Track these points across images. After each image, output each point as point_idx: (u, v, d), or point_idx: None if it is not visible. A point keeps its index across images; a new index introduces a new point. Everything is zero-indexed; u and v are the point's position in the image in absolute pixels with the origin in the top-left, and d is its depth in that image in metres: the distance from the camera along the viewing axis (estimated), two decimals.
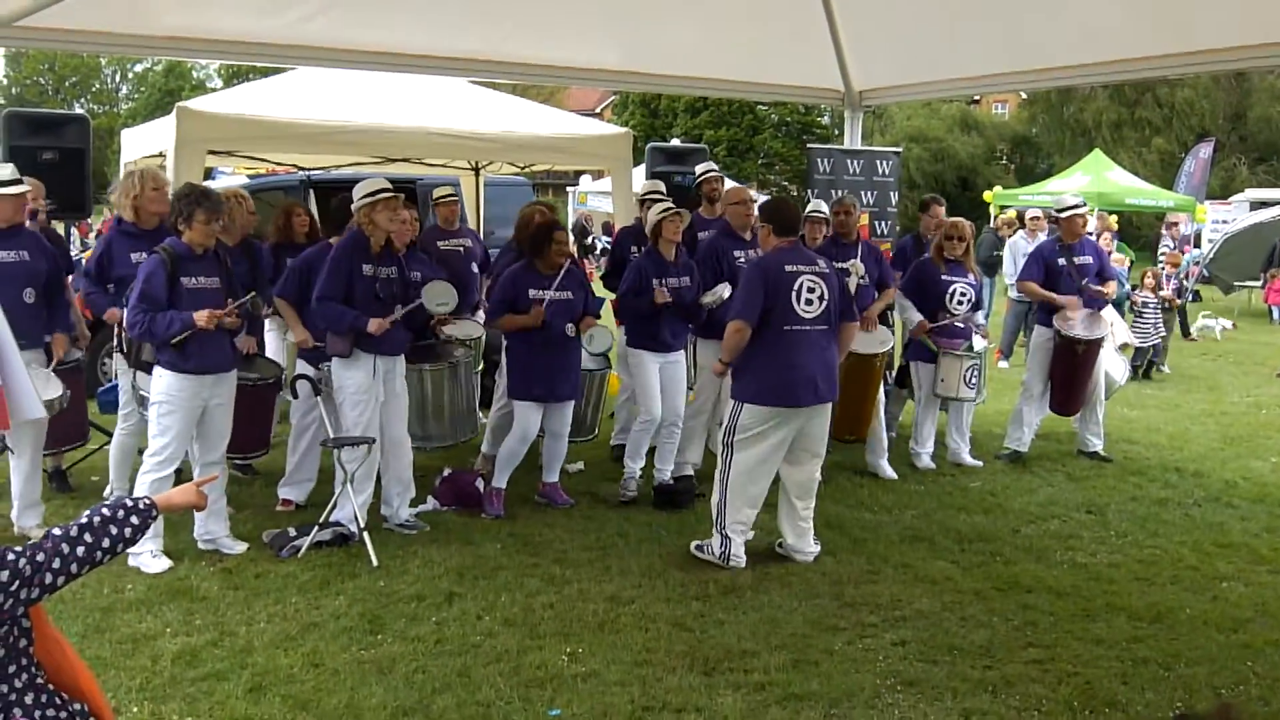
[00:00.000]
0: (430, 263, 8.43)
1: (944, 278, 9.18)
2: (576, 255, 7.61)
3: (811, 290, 6.78)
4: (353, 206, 7.28)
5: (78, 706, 3.17)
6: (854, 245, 9.01)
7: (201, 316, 6.38)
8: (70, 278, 7.95)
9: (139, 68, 68.38)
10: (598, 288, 9.01)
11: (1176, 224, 26.13)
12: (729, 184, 10.46)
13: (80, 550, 3.01)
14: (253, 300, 7.01)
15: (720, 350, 7.06)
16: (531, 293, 7.81)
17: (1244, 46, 7.19)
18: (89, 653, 5.32)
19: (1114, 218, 23.52)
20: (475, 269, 9.79)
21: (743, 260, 8.21)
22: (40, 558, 2.92)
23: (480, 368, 9.24)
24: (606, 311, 8.54)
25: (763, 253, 7.10)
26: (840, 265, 8.78)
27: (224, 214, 6.77)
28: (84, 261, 8.59)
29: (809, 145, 11.95)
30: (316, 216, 9.58)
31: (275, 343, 8.88)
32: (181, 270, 6.48)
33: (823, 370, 6.85)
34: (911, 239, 10.34)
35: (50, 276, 7.31)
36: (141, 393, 6.94)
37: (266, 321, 8.33)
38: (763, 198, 10.96)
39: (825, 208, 8.84)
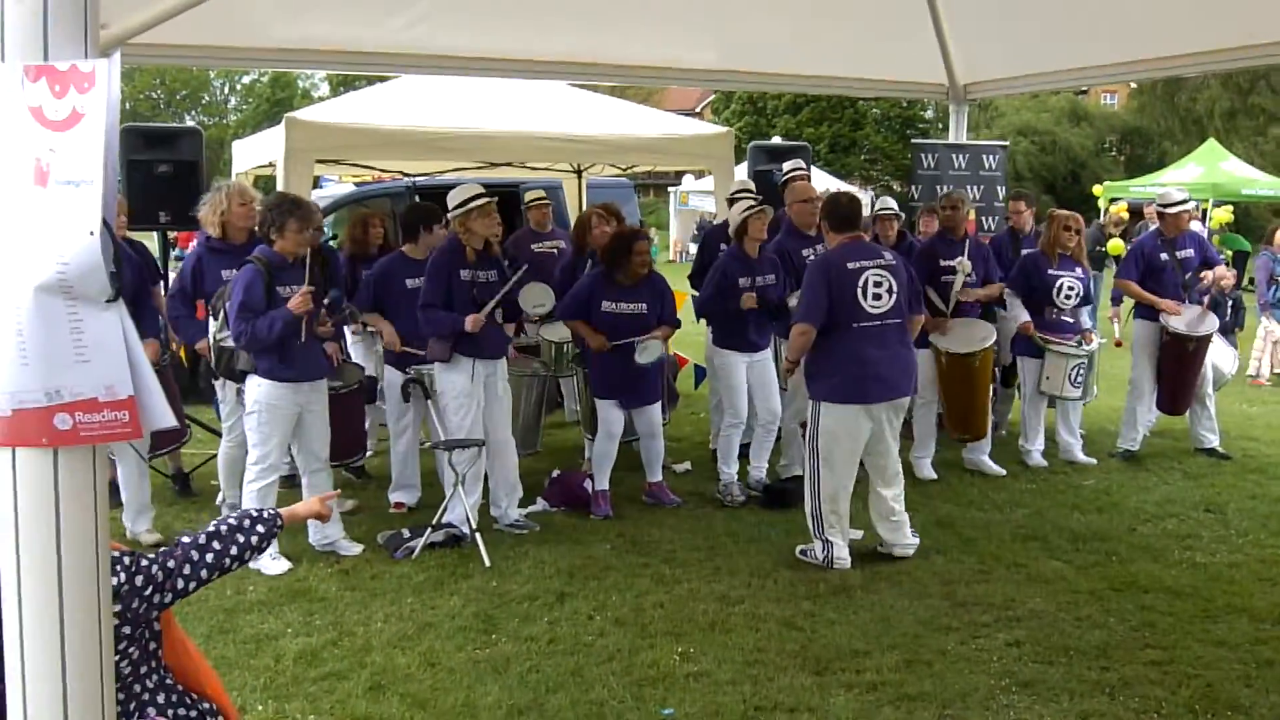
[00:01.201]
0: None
1: (1051, 272, 9.06)
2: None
3: (879, 284, 6.71)
4: (448, 215, 7.39)
5: (206, 706, 3.28)
6: (961, 242, 8.92)
7: (293, 303, 6.50)
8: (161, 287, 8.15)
9: (246, 79, 69.75)
10: (684, 285, 9.01)
11: None
12: (823, 180, 10.40)
13: (209, 557, 3.13)
14: (350, 310, 7.16)
15: (789, 347, 7.06)
16: (605, 305, 7.87)
17: None
18: (214, 653, 5.48)
19: (1227, 209, 22.99)
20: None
21: (811, 258, 8.17)
22: (171, 564, 3.04)
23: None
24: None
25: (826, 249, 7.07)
26: (946, 262, 8.74)
27: (316, 223, 6.89)
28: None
29: (913, 140, 11.90)
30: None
31: (362, 351, 9.00)
32: (277, 279, 6.63)
33: (897, 364, 6.80)
34: (1007, 233, 10.22)
35: (134, 285, 7.30)
36: (242, 397, 7.06)
37: (348, 329, 8.49)
38: (868, 194, 10.89)
39: (894, 204, 8.83)
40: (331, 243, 10.42)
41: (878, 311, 6.71)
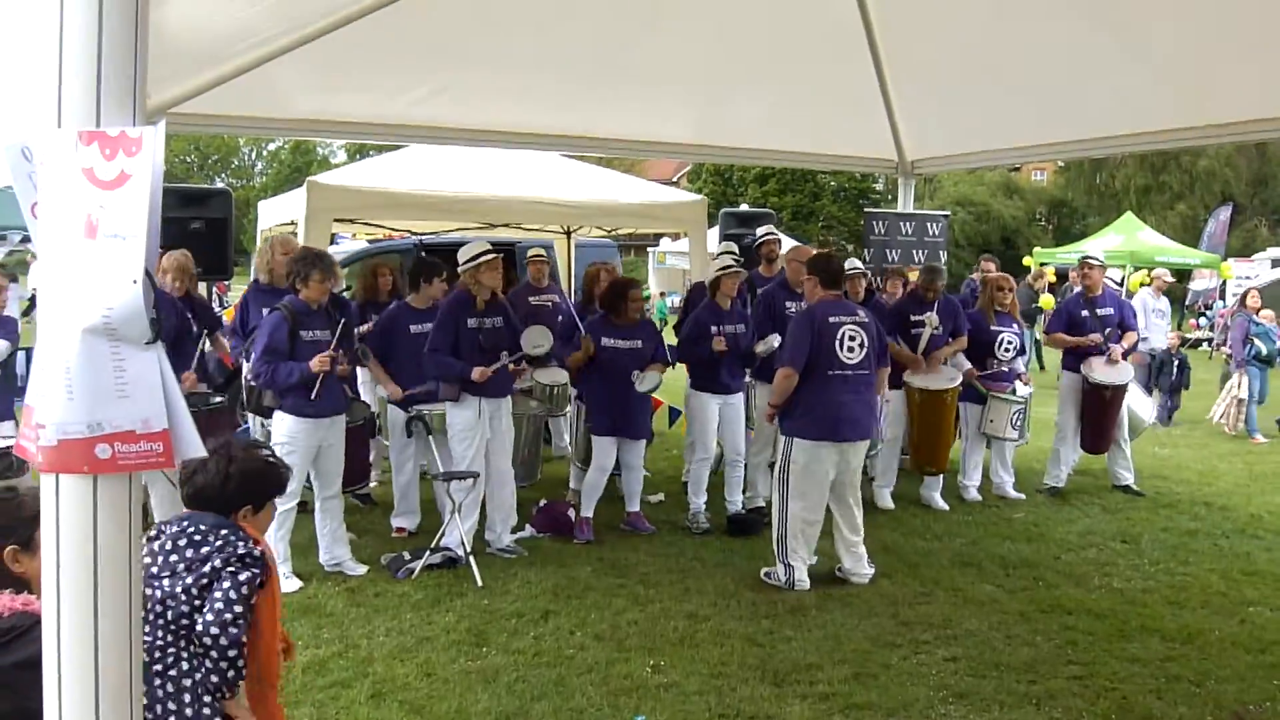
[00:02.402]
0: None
1: (993, 328, 9.16)
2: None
3: (853, 339, 6.81)
4: (459, 268, 7.41)
5: None
6: (931, 302, 9.07)
7: (314, 363, 6.54)
8: (218, 333, 8.18)
9: (271, 146, 69.92)
10: (668, 336, 9.05)
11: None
12: (790, 244, 10.48)
13: None
14: (361, 349, 7.15)
15: (772, 391, 7.08)
16: (605, 341, 7.94)
17: (1263, 120, 7.12)
18: None
19: (1143, 274, 23.21)
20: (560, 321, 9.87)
21: (794, 310, 8.20)
22: None
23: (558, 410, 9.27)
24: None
25: (808, 304, 7.12)
26: (916, 317, 8.90)
27: (336, 275, 6.91)
28: (226, 319, 8.79)
29: (865, 209, 11.95)
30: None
31: (369, 387, 8.97)
32: (300, 325, 6.65)
33: (863, 410, 6.88)
34: (970, 292, 10.31)
35: (174, 330, 7.15)
36: (267, 429, 7.09)
37: (359, 370, 8.50)
38: None
39: (861, 265, 8.88)
40: (345, 293, 10.42)
41: (851, 362, 6.79)
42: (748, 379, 8.78)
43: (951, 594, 6.81)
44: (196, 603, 3.04)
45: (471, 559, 7.02)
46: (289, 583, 6.69)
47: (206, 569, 3.05)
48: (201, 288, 9.03)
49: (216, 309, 11.77)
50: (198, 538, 3.12)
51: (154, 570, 3.09)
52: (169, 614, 3.04)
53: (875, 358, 6.95)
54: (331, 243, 12.14)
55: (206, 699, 3.05)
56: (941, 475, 9.12)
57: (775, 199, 45.51)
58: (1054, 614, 6.47)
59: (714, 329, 8.13)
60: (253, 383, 6.85)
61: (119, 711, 2.21)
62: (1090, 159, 39.80)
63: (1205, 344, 25.17)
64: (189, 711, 3.04)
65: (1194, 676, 5.53)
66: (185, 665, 3.05)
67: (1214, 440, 12.89)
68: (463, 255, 7.39)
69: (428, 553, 7.14)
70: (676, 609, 6.44)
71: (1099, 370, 9.28)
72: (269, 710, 3.18)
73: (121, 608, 2.19)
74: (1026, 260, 28.22)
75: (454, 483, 7.19)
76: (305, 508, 7.28)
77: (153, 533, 3.20)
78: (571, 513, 8.11)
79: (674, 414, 10.52)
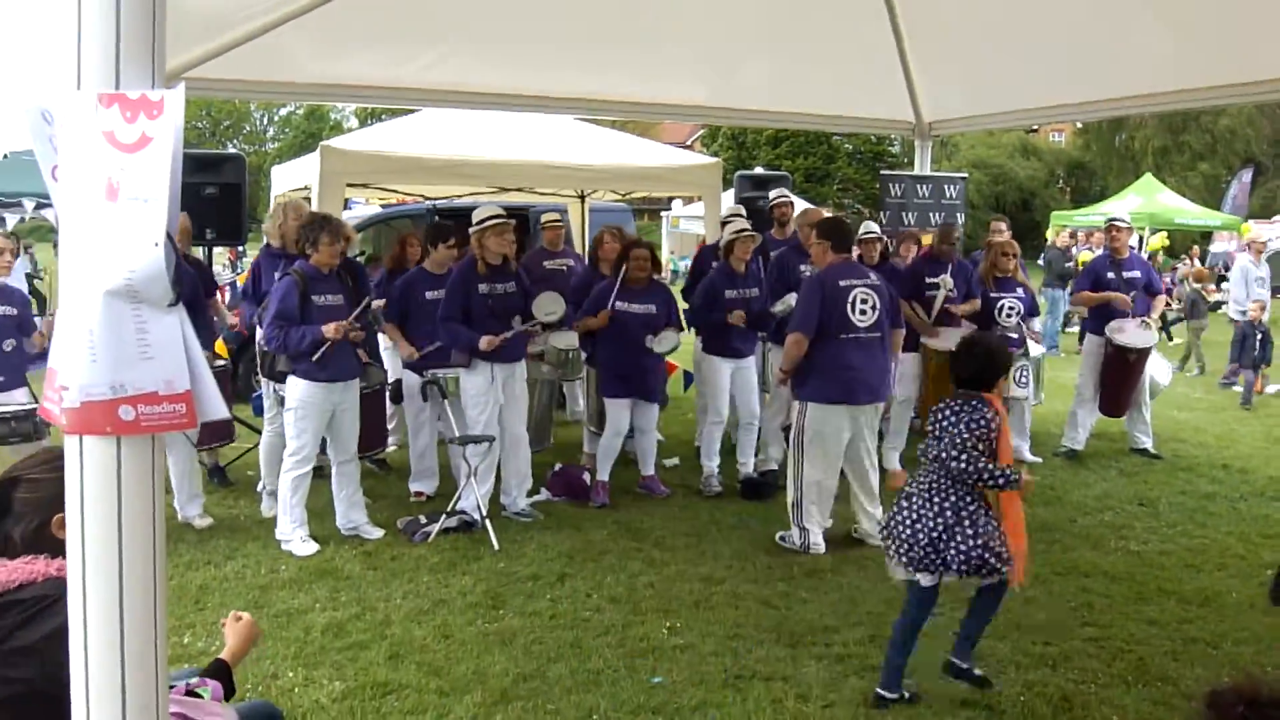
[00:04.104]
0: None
1: (992, 295, 9.07)
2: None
3: (865, 301, 6.81)
4: (470, 231, 7.41)
5: None
6: (945, 263, 9.05)
7: (329, 329, 6.57)
8: (213, 297, 8.23)
9: (284, 111, 69.70)
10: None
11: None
12: (803, 206, 10.45)
13: None
14: (372, 314, 7.17)
15: (783, 356, 7.09)
16: (619, 305, 7.94)
17: None
18: None
19: (1162, 236, 23.12)
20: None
21: (807, 273, 8.19)
22: None
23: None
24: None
25: (817, 268, 7.12)
26: (930, 280, 8.86)
27: (345, 237, 6.92)
28: (239, 283, 8.82)
29: (882, 172, 11.89)
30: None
31: (390, 353, 9.00)
32: (312, 289, 6.69)
33: (876, 373, 6.90)
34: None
35: (190, 294, 7.33)
36: (280, 394, 7.14)
37: (380, 335, 8.52)
38: None
39: (877, 229, 8.83)
40: (360, 258, 10.43)
41: (863, 325, 6.80)
42: (763, 341, 8.79)
43: None
44: None
45: (488, 523, 7.08)
46: (306, 546, 6.77)
47: None
48: (210, 252, 9.06)
49: (230, 274, 11.82)
50: None
51: None
52: None
53: (888, 320, 6.96)
54: (345, 208, 12.15)
55: None
56: None
57: (789, 162, 45.30)
58: (1070, 576, 6.49)
59: (729, 293, 8.13)
60: (265, 348, 6.91)
61: (144, 674, 2.24)
62: (1109, 119, 39.44)
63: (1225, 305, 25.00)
64: None
65: (1210, 638, 5.56)
66: None
67: (1232, 403, 12.85)
68: (475, 219, 7.40)
69: (444, 516, 7.19)
70: (692, 572, 6.50)
71: (1128, 332, 9.24)
72: None
73: (146, 571, 2.21)
74: (1049, 230, 27.98)
75: (469, 447, 7.23)
76: (321, 472, 7.33)
77: None
78: (586, 476, 8.15)
79: (688, 378, 10.52)
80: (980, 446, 4.61)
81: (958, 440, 4.59)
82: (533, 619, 5.73)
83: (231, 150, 23.43)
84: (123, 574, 2.20)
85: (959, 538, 4.57)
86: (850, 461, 7.02)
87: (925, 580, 4.71)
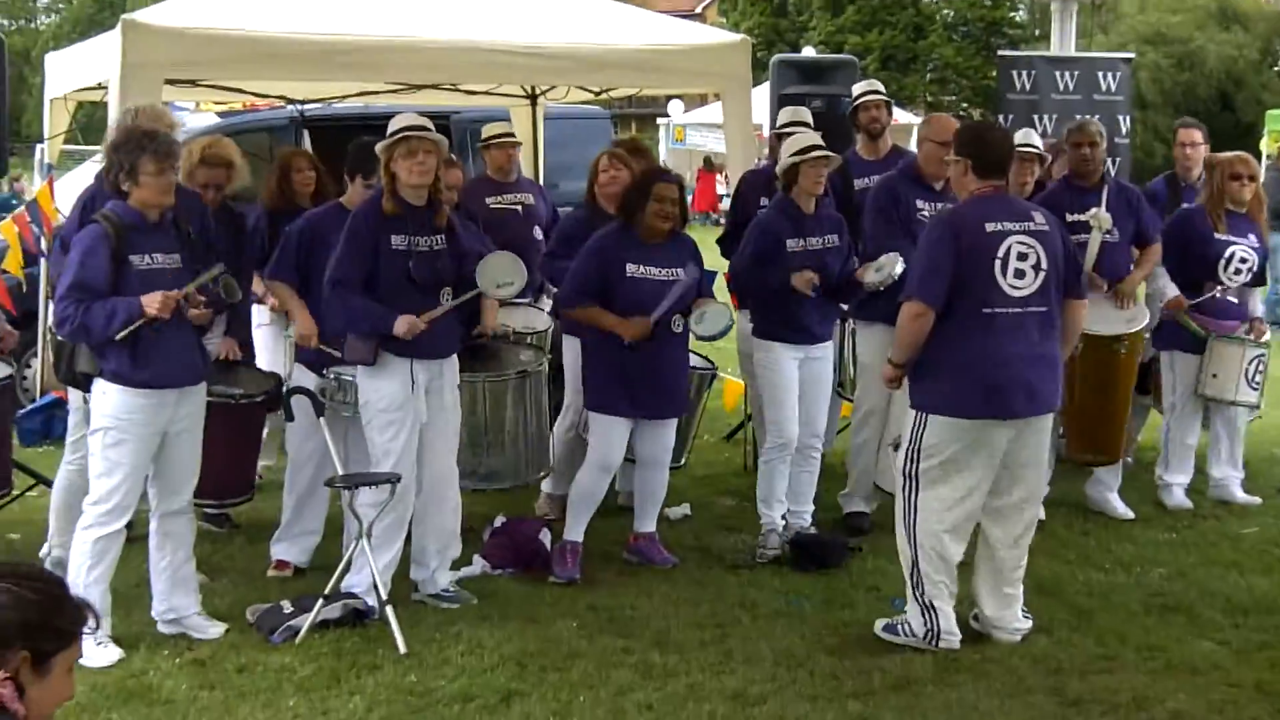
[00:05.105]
0: (476, 230, 8.42)
1: (1220, 237, 8.97)
2: None
3: (1024, 257, 6.63)
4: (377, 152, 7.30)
5: None
6: (1095, 190, 8.90)
7: (154, 301, 6.41)
8: None
9: None
10: (711, 257, 8.92)
11: None
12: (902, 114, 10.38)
13: None
14: (224, 281, 7.02)
15: (891, 343, 6.96)
16: (630, 269, 7.80)
17: None
18: None
19: None
20: (539, 234, 9.77)
21: (926, 215, 8.10)
22: None
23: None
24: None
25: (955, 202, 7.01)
26: (1075, 217, 8.66)
27: (179, 157, 6.79)
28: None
29: (1000, 53, 11.88)
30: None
31: (270, 343, 8.94)
32: (129, 245, 6.53)
33: (1041, 368, 6.73)
34: (1164, 181, 10.15)
35: None
36: (88, 405, 7.01)
37: (258, 313, 8.41)
38: None
39: (1038, 140, 8.71)
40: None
41: (1020, 294, 6.62)
42: (844, 322, 8.74)
43: (1145, 656, 6.79)
44: None
45: (390, 611, 6.99)
46: (106, 651, 6.65)
47: None
48: None
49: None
50: None
51: None
52: None
53: (1060, 286, 6.80)
54: None
55: None
56: (1120, 466, 9.07)
57: (857, 39, 45.44)
58: None
59: (792, 244, 8.05)
60: (58, 333, 6.77)
61: None
62: None
63: None
64: None
65: None
66: None
67: None
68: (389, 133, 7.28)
69: (320, 602, 7.10)
70: (712, 686, 6.44)
71: None
72: None
73: None
74: (1265, 139, 27.72)
75: (362, 491, 7.14)
76: (134, 532, 7.23)
77: None
78: (546, 536, 8.12)
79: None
80: None
81: None
82: None
83: None
84: None
85: None
86: (994, 510, 6.90)
87: None
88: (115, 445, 6.60)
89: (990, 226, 6.64)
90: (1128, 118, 11.07)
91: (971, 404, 6.64)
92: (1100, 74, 11.07)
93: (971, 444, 6.69)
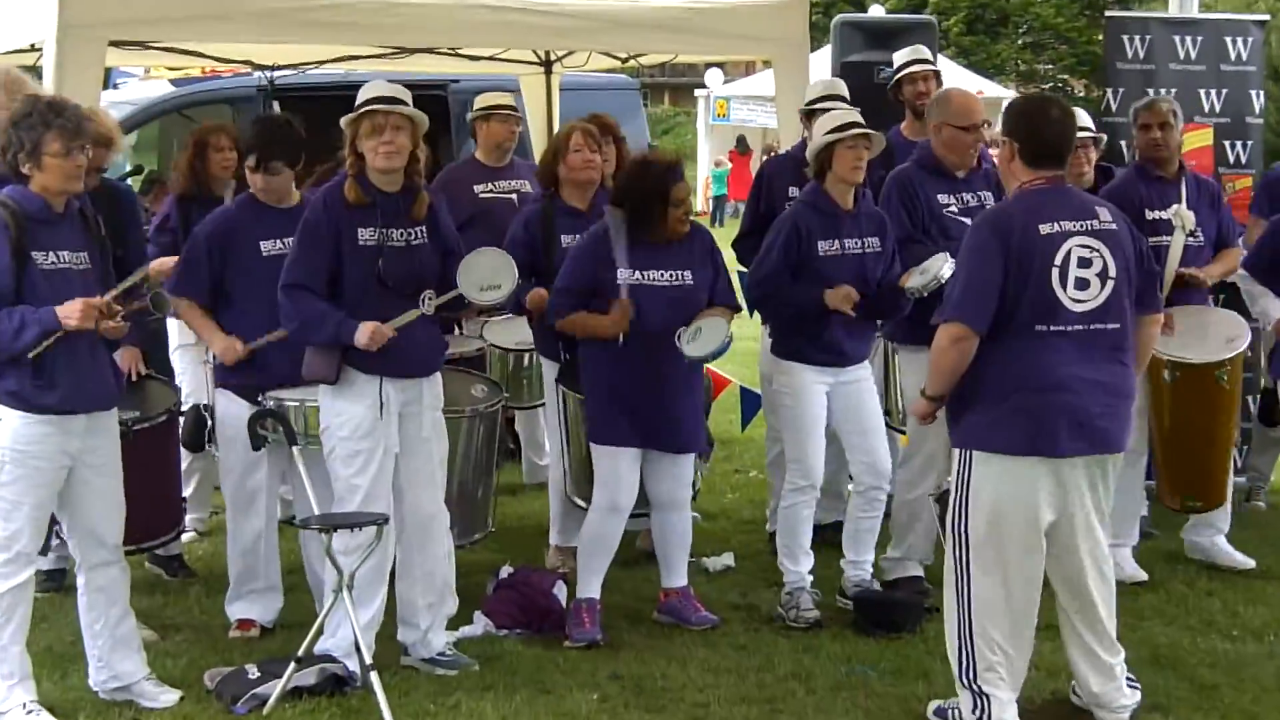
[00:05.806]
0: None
1: None
2: None
3: (1087, 263, 6.46)
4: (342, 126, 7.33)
5: None
6: (1174, 182, 8.88)
7: (73, 311, 6.39)
8: None
9: None
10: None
11: None
12: (957, 78, 10.41)
13: None
14: (153, 291, 7.07)
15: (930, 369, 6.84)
16: (621, 275, 7.83)
17: None
18: None
19: None
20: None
21: (953, 211, 8.12)
22: None
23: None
24: None
25: (1006, 197, 6.98)
26: (1153, 214, 8.68)
27: (91, 135, 6.79)
28: None
29: (1109, 14, 11.87)
30: None
31: (191, 368, 9.06)
32: (32, 240, 6.54)
33: (1103, 396, 6.54)
34: None
35: None
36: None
37: (177, 333, 8.46)
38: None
39: (1090, 122, 8.72)
40: (135, 179, 10.41)
41: (1083, 308, 6.46)
42: (886, 341, 8.74)
43: None
44: None
45: (374, 677, 7.01)
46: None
47: None
48: None
49: None
50: None
51: None
52: None
53: (1132, 298, 6.68)
54: (108, 86, 12.15)
55: None
56: (1228, 511, 9.07)
57: None
58: None
59: (824, 246, 8.06)
60: None
61: None
62: None
63: None
64: None
65: None
66: None
67: None
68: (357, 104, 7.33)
69: (292, 665, 7.13)
70: None
71: None
72: None
73: None
74: None
75: (338, 536, 7.17)
76: (57, 580, 7.26)
77: None
78: (561, 590, 8.15)
79: (750, 403, 10.48)
80: None
81: None
82: None
83: None
84: None
85: None
86: (1060, 569, 6.83)
87: None
88: (13, 482, 6.55)
89: (1045, 228, 6.45)
90: (1261, 92, 11.02)
91: (1021, 438, 6.43)
92: (1229, 39, 11.03)
93: (1028, 485, 6.46)
